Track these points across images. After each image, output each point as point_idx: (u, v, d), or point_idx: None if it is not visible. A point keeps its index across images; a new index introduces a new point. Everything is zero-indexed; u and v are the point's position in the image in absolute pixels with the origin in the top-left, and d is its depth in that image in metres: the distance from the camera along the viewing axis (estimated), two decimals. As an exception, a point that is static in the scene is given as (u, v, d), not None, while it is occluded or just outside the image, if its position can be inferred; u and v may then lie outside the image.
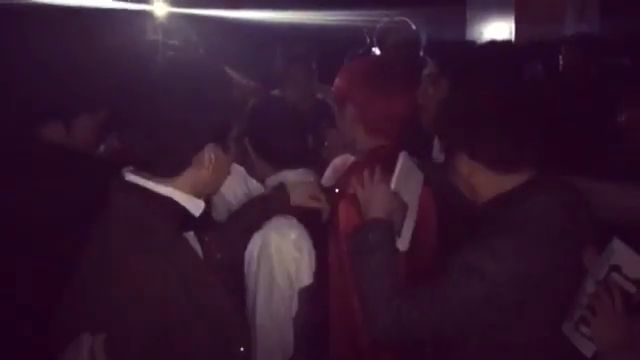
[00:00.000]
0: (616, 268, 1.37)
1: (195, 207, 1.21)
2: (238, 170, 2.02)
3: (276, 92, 3.07)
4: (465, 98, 1.43)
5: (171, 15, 6.20)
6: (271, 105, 1.87)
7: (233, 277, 1.57)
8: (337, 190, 1.71)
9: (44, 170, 1.56)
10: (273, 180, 1.74)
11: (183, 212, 1.19)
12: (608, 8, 5.29)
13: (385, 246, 1.45)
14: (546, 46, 4.49)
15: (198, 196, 1.21)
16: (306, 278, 1.63)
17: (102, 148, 2.16)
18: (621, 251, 1.38)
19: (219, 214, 1.93)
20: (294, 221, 1.64)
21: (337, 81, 1.75)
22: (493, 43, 2.85)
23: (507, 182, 1.38)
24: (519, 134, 1.33)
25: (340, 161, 2.20)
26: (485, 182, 1.39)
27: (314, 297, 1.64)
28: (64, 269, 1.13)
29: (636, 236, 1.46)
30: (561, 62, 3.67)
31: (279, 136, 1.73)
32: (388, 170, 1.56)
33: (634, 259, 1.36)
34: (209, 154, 1.17)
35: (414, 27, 3.34)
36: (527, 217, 1.32)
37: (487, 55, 2.45)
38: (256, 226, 1.61)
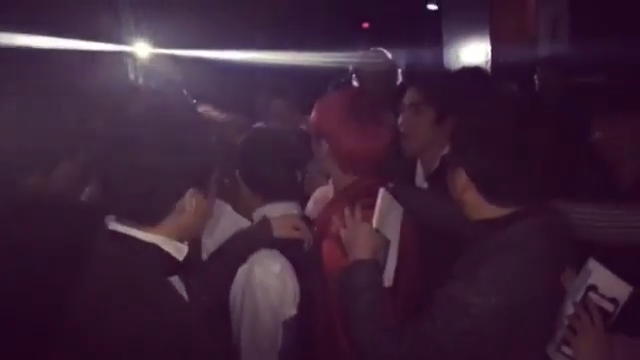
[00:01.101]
0: (593, 288, 1.40)
1: (178, 252, 1.23)
2: (228, 210, 2.04)
3: (260, 125, 3.11)
4: (462, 122, 1.46)
5: (153, 56, 6.27)
6: (262, 137, 1.90)
7: (220, 317, 1.58)
8: (318, 227, 1.72)
9: (27, 220, 1.57)
10: (259, 213, 1.77)
11: (167, 257, 1.21)
12: (577, 29, 5.45)
13: (372, 287, 1.46)
14: (521, 67, 4.59)
15: (181, 240, 1.24)
16: (290, 310, 1.64)
17: (86, 192, 2.17)
18: (597, 271, 1.41)
19: (209, 253, 1.94)
20: (277, 253, 1.66)
21: (312, 116, 1.74)
22: (473, 69, 2.93)
23: (494, 211, 1.40)
24: (512, 167, 1.35)
25: (320, 194, 2.21)
26: (475, 203, 1.41)
27: (299, 329, 1.65)
28: (48, 317, 1.14)
29: (613, 255, 1.50)
30: (536, 82, 3.75)
31: (269, 168, 1.76)
32: (367, 205, 1.57)
33: (609, 278, 1.40)
34: (190, 199, 1.19)
35: (390, 56, 3.41)
36: (508, 246, 1.34)
37: (469, 81, 2.51)
38: (241, 260, 1.63)
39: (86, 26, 5.66)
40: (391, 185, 1.69)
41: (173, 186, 1.18)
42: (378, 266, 1.52)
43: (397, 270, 1.58)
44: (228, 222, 2.05)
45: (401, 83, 3.44)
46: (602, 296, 1.39)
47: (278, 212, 1.74)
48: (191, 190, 1.19)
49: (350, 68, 4.12)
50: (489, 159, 1.36)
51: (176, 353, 1.11)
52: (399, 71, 3.67)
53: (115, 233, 1.18)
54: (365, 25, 9.74)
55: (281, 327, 1.63)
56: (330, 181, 2.34)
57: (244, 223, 2.02)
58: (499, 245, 1.35)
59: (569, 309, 1.39)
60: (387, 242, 1.58)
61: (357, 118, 1.64)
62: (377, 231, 1.54)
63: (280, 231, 1.67)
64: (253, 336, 1.59)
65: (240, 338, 1.60)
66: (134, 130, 1.17)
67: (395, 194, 1.67)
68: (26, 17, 4.90)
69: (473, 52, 7.79)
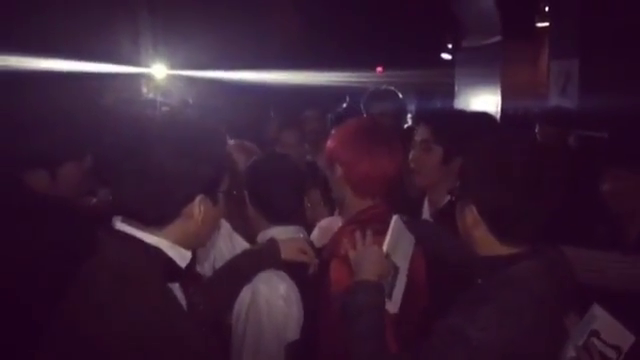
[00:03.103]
0: (596, 333, 1.39)
1: (181, 258, 1.22)
2: (223, 225, 2.05)
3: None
4: (472, 158, 1.47)
5: (170, 77, 6.46)
6: (274, 160, 1.94)
7: (216, 329, 1.56)
8: (328, 250, 1.74)
9: (27, 217, 1.57)
10: (265, 235, 1.79)
11: (169, 262, 1.20)
12: (588, 85, 5.54)
13: (373, 308, 1.46)
14: (530, 119, 4.64)
15: (186, 247, 1.23)
16: (294, 332, 1.64)
17: (94, 201, 2.19)
18: (601, 317, 1.40)
19: (202, 267, 1.95)
20: (284, 275, 1.67)
21: (328, 142, 1.81)
22: (482, 113, 2.96)
23: (501, 249, 1.40)
24: (522, 204, 1.35)
25: (326, 223, 2.23)
26: (484, 240, 1.41)
27: (301, 352, 1.64)
28: (47, 314, 1.12)
29: (617, 301, 1.48)
30: (538, 137, 3.74)
31: (278, 191, 1.79)
32: (377, 231, 1.59)
33: (613, 325, 1.38)
34: (199, 206, 1.19)
35: (401, 96, 3.46)
36: (511, 284, 1.34)
37: (479, 123, 2.53)
38: (246, 279, 1.63)
39: (108, 50, 5.84)
40: (405, 218, 1.71)
41: (182, 191, 1.18)
42: (382, 290, 1.51)
43: (405, 298, 1.57)
44: (223, 238, 2.05)
45: (410, 126, 3.48)
46: (605, 342, 1.37)
47: (284, 235, 1.76)
48: (200, 196, 1.19)
49: (347, 99, 4.18)
50: (501, 197, 1.36)
51: (170, 356, 1.09)
52: (409, 115, 3.71)
53: (120, 233, 1.18)
54: (379, 69, 9.92)
55: (284, 349, 1.62)
56: (336, 212, 2.36)
57: (240, 243, 2.03)
58: (503, 282, 1.35)
59: (571, 352, 1.37)
60: (396, 269, 1.58)
61: (368, 142, 1.71)
62: (387, 256, 1.55)
63: (287, 253, 1.68)
64: (255, 355, 1.58)
65: (242, 357, 1.59)
66: (146, 134, 1.19)
67: (408, 224, 1.69)
68: (53, 43, 5.08)
69: (483, 102, 7.90)
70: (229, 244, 2.03)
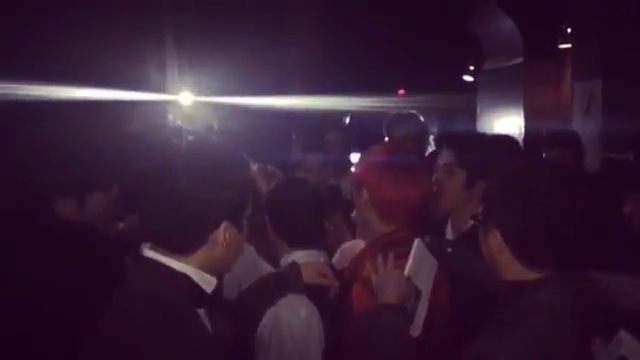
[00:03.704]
0: (623, 359, 1.37)
1: (207, 284, 1.24)
2: (248, 250, 2.08)
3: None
4: (496, 182, 1.47)
5: (196, 104, 6.59)
6: (293, 185, 2.00)
7: (241, 354, 1.59)
8: (349, 272, 1.76)
9: (59, 243, 1.62)
10: (287, 259, 1.82)
11: (196, 288, 1.23)
12: (611, 106, 5.50)
13: (396, 331, 1.47)
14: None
15: (211, 273, 1.26)
16: (316, 355, 1.66)
17: (122, 226, 2.25)
18: (628, 342, 1.39)
19: (229, 292, 1.97)
20: (305, 298, 1.70)
21: (355, 167, 1.87)
22: (505, 136, 2.97)
23: (527, 273, 1.40)
24: (548, 232, 1.35)
25: (348, 246, 2.25)
26: (509, 264, 1.41)
27: None
28: (78, 338, 1.16)
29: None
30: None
31: (297, 216, 1.83)
32: (399, 254, 1.61)
33: None
34: (224, 232, 1.22)
35: (423, 119, 3.47)
36: (538, 310, 1.33)
37: (501, 146, 2.54)
38: (269, 302, 1.66)
39: (134, 78, 5.99)
40: (427, 239, 1.72)
41: (207, 218, 1.21)
42: (405, 312, 1.52)
43: (427, 321, 1.58)
44: (249, 263, 2.08)
45: (434, 151, 3.48)
46: None
47: (305, 259, 1.80)
48: (225, 223, 1.22)
49: (347, 120, 4.19)
50: (525, 223, 1.36)
51: None
52: (431, 137, 3.70)
53: (148, 260, 1.21)
54: (401, 92, 9.96)
55: None
56: (357, 234, 2.37)
57: (264, 267, 2.06)
58: (529, 308, 1.35)
59: None
60: (418, 292, 1.59)
61: (395, 168, 1.76)
62: (408, 279, 1.56)
63: (308, 277, 1.70)
64: None
65: None
66: (171, 163, 1.23)
67: (430, 248, 1.71)
68: (79, 71, 5.24)
69: (506, 125, 7.86)
70: (254, 268, 2.06)
